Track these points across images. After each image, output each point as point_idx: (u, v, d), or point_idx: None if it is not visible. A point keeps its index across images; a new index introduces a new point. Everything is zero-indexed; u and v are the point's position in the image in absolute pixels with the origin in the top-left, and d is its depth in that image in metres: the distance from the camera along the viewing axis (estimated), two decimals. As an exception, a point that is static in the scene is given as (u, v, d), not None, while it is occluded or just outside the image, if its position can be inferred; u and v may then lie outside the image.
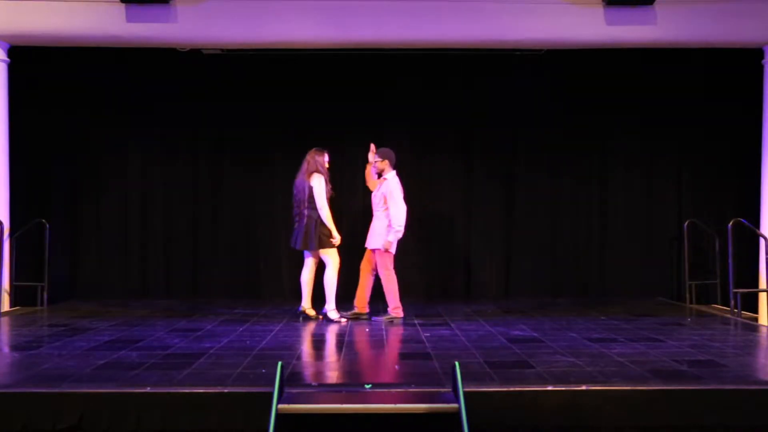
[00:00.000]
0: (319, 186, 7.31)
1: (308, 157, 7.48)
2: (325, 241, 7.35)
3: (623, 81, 9.77)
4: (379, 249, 7.41)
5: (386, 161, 7.56)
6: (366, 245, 7.65)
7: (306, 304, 7.57)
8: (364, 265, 7.65)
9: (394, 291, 7.49)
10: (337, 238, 7.39)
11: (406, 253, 9.89)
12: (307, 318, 7.52)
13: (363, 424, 4.09)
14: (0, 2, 8.14)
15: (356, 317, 7.58)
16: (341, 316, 7.48)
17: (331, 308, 7.48)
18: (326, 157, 7.52)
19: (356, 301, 7.66)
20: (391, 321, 7.43)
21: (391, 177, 7.54)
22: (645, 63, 9.56)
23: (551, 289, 9.79)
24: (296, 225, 7.53)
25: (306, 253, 7.57)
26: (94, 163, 9.78)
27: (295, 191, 7.54)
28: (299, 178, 7.51)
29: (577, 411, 4.47)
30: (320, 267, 7.61)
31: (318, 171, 7.37)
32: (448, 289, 9.92)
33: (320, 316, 7.54)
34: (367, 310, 7.66)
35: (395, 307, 7.50)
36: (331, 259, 7.43)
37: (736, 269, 8.25)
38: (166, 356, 5.60)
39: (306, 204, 7.36)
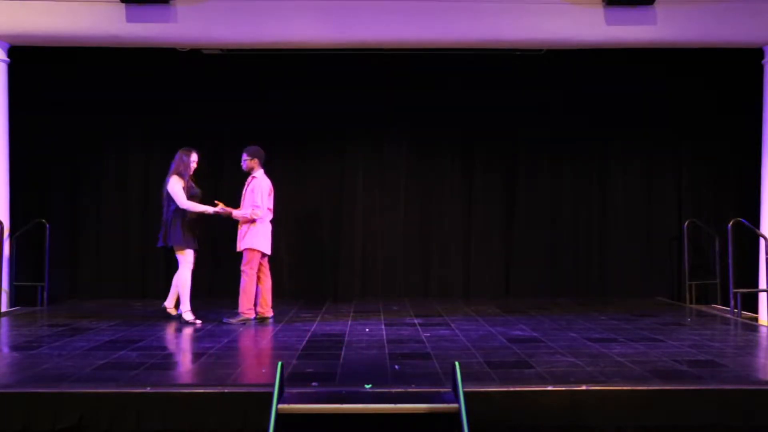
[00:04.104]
0: (171, 188, 7.26)
1: (176, 156, 7.43)
2: (182, 241, 7.30)
3: (623, 81, 9.79)
4: (247, 248, 7.37)
5: (256, 159, 7.58)
6: (237, 249, 7.57)
7: (169, 303, 7.57)
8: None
9: (251, 293, 7.43)
10: (221, 207, 7.42)
11: (403, 252, 9.94)
12: (169, 316, 7.50)
13: (363, 424, 4.09)
14: (0, 2, 8.15)
15: (262, 320, 7.51)
16: (196, 318, 7.36)
17: (186, 309, 7.36)
18: (194, 156, 7.45)
19: (259, 307, 7.56)
20: (244, 322, 7.34)
21: (261, 175, 7.54)
22: (645, 63, 9.57)
23: (551, 289, 9.79)
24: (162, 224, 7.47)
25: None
26: (94, 163, 9.79)
27: (163, 190, 7.46)
28: (167, 177, 7.43)
29: (577, 411, 4.46)
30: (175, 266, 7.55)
31: (178, 172, 7.32)
32: (447, 288, 9.92)
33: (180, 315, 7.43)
34: (271, 313, 7.61)
35: (248, 309, 7.42)
36: (185, 259, 7.35)
37: (736, 269, 8.25)
38: (166, 356, 5.60)
39: (165, 204, 7.34)
